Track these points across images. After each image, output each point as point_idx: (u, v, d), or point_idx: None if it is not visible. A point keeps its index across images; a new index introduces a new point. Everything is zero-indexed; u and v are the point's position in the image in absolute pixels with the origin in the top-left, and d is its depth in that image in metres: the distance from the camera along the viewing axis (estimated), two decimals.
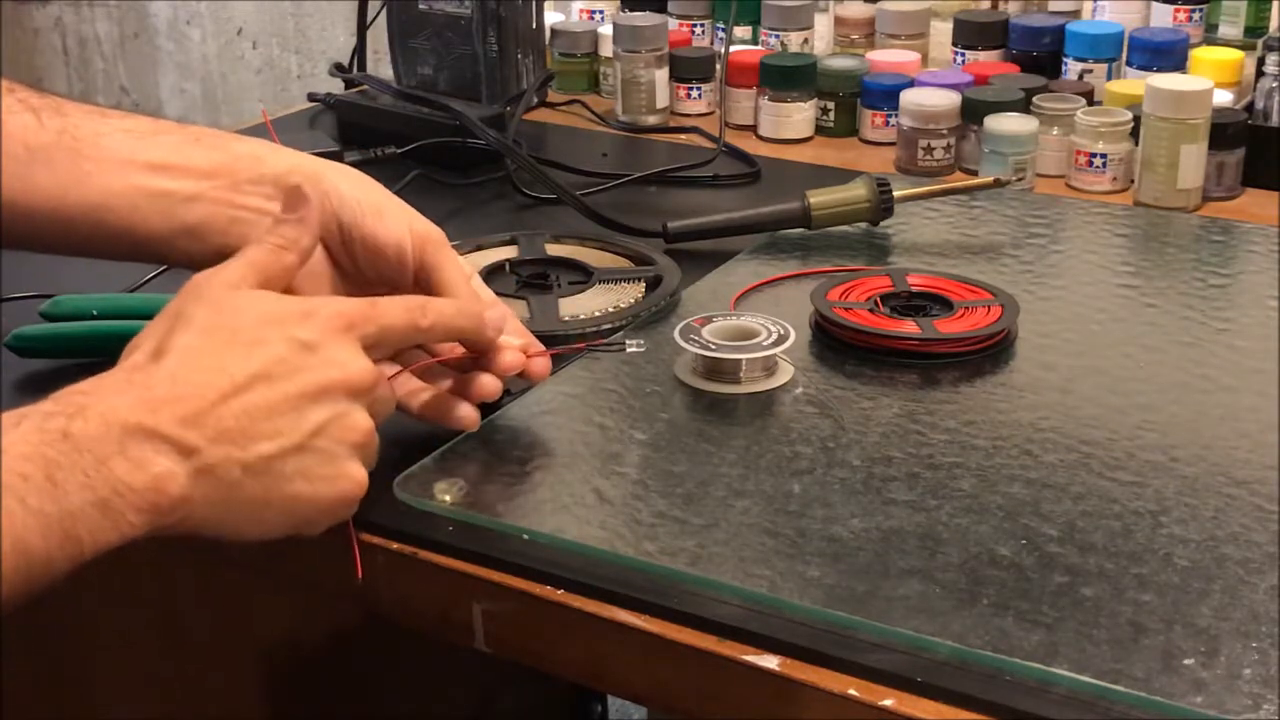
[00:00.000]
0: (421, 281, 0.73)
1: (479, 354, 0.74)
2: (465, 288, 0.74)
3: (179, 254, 0.74)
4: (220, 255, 0.71)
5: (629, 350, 0.80)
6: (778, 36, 1.35)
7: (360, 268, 0.73)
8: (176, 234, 0.73)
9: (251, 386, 0.61)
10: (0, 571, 0.53)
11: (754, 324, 0.82)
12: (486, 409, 0.75)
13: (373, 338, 0.65)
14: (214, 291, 0.64)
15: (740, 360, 0.79)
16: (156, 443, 0.58)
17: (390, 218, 0.73)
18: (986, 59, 1.28)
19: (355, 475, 0.64)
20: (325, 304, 0.65)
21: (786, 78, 1.25)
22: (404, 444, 0.75)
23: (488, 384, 0.74)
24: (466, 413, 0.73)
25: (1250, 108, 1.15)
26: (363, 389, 0.64)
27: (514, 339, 0.75)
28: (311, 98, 1.37)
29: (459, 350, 0.75)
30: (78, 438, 0.56)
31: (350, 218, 0.72)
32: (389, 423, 0.75)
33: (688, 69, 1.32)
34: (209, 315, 0.62)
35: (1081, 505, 0.68)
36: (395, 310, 0.67)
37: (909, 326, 0.84)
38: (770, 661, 0.61)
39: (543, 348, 0.76)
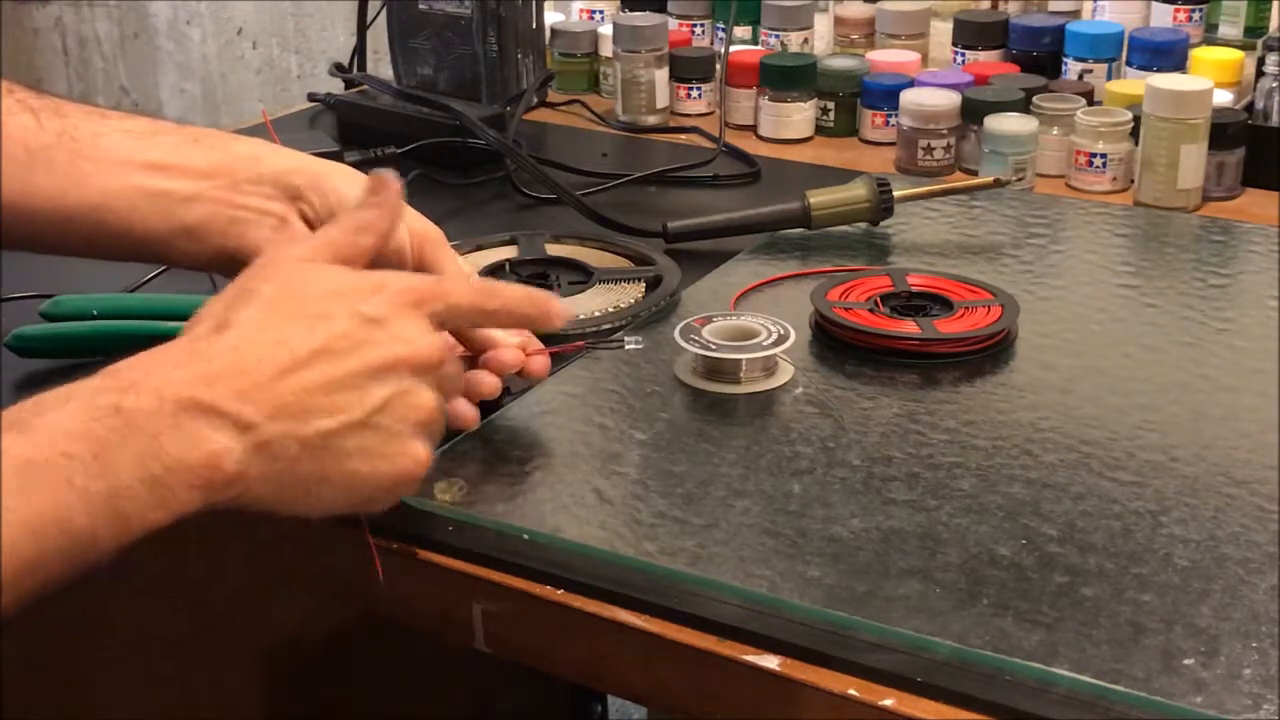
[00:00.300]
0: None
1: (479, 352, 0.74)
2: (463, 283, 0.74)
3: (178, 254, 0.74)
4: (219, 255, 0.71)
5: (628, 348, 0.80)
6: (778, 36, 1.35)
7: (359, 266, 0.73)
8: (175, 234, 0.73)
9: (313, 362, 0.60)
10: (9, 558, 0.53)
11: (754, 324, 0.82)
12: (486, 409, 0.75)
13: (441, 315, 0.65)
14: (284, 265, 0.63)
15: (740, 360, 0.79)
16: (212, 418, 0.57)
17: None
18: (986, 59, 1.28)
19: (417, 454, 0.63)
20: (395, 278, 0.64)
21: (786, 78, 1.25)
22: None
23: (487, 382, 0.74)
24: (465, 411, 0.73)
25: (1250, 108, 1.15)
26: (429, 365, 0.63)
27: (512, 337, 0.75)
28: (311, 98, 1.37)
29: (459, 349, 0.75)
30: (129, 413, 0.55)
31: None
32: None
33: (688, 69, 1.32)
34: (276, 289, 0.62)
35: (1081, 505, 0.68)
36: (464, 290, 0.67)
37: (909, 326, 0.84)
38: (770, 661, 0.61)
39: (542, 345, 0.76)
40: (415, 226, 0.73)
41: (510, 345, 0.74)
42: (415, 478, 0.64)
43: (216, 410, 0.57)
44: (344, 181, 0.73)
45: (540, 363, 0.75)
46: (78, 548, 0.54)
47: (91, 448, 0.54)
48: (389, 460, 0.62)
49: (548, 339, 0.78)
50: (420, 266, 0.73)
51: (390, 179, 0.69)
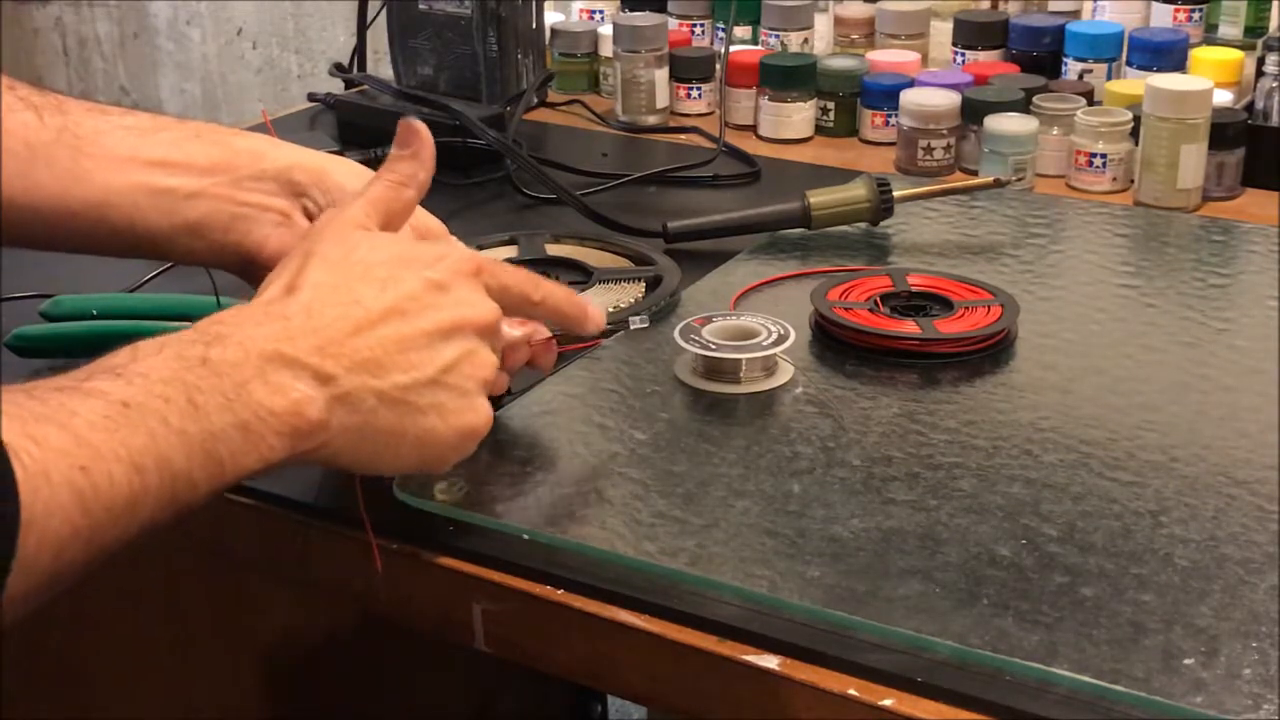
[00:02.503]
0: None
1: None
2: None
3: (181, 251, 0.74)
4: (222, 252, 0.71)
5: (634, 327, 0.79)
6: (778, 36, 1.35)
7: None
8: (178, 231, 0.73)
9: (386, 320, 0.62)
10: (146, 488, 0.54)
11: (754, 324, 0.82)
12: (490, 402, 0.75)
13: (495, 290, 0.67)
14: (343, 230, 0.65)
15: (740, 360, 0.79)
16: (295, 369, 0.59)
17: None
18: (986, 59, 1.28)
19: (483, 410, 0.66)
20: (456, 248, 0.67)
21: (786, 78, 1.25)
22: None
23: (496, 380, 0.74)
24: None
25: (1250, 108, 1.15)
26: (490, 329, 0.66)
27: (517, 330, 0.74)
28: (311, 98, 1.37)
29: None
30: (216, 363, 0.57)
31: None
32: None
33: (688, 69, 1.32)
34: (342, 252, 0.63)
35: (1081, 505, 0.68)
36: (514, 272, 0.69)
37: (909, 326, 0.84)
38: (770, 661, 0.61)
39: (548, 333, 0.76)
40: (419, 221, 0.73)
41: (516, 339, 0.74)
42: (481, 433, 0.66)
43: (298, 362, 0.59)
44: (346, 176, 0.73)
45: (548, 353, 0.75)
46: (178, 487, 0.55)
47: (184, 392, 0.56)
48: (459, 415, 0.64)
49: (553, 330, 0.78)
50: None
51: (418, 125, 0.70)
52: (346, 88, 1.37)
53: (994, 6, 1.36)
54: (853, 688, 0.59)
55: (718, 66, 1.31)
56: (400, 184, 0.68)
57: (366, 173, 0.74)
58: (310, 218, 0.72)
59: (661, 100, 1.31)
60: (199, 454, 0.56)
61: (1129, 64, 1.24)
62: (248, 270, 0.72)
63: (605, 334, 0.81)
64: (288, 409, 0.58)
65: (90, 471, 0.52)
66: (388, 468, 0.64)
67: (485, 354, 0.66)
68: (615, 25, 1.31)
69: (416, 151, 0.69)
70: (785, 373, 0.81)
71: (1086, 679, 0.57)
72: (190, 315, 0.86)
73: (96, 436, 0.53)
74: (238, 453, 0.57)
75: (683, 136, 1.28)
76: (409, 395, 0.62)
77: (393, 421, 0.62)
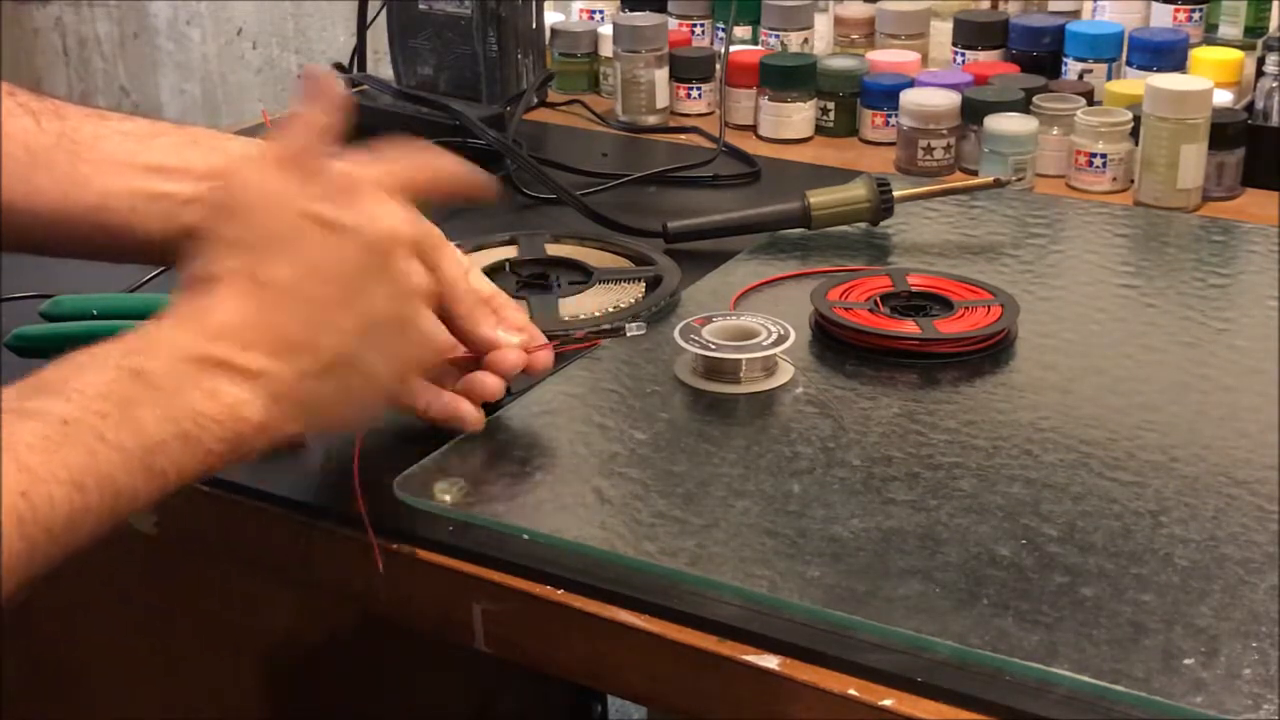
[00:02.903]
0: None
1: (482, 354, 0.74)
2: (465, 287, 0.74)
3: (179, 256, 0.73)
4: None
5: (629, 335, 0.79)
6: (778, 36, 1.35)
7: None
8: (175, 236, 0.72)
9: (299, 289, 0.61)
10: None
11: (754, 324, 0.82)
12: (489, 407, 0.76)
13: (399, 187, 0.65)
14: (245, 198, 0.63)
15: (740, 360, 0.79)
16: (224, 372, 0.58)
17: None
18: (986, 59, 1.28)
19: (429, 330, 0.64)
20: (342, 174, 0.64)
21: (786, 78, 1.25)
22: (404, 444, 0.75)
23: (490, 384, 0.74)
24: (470, 413, 0.74)
25: (1250, 108, 1.15)
26: (405, 240, 0.64)
27: (513, 336, 0.75)
28: None
29: (460, 350, 0.75)
30: (150, 374, 0.57)
31: None
32: (389, 423, 0.75)
33: (688, 69, 1.32)
34: (242, 228, 0.62)
35: (1081, 505, 0.68)
36: (407, 167, 0.68)
37: (909, 326, 0.84)
38: (770, 661, 0.61)
39: (545, 340, 0.76)
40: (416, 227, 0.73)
41: (512, 345, 0.74)
42: (439, 351, 0.66)
43: (226, 364, 0.59)
44: None
45: (543, 358, 0.76)
46: (119, 502, 0.55)
47: (121, 407, 0.56)
48: (405, 346, 0.64)
49: (550, 334, 0.78)
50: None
51: (322, 74, 0.69)
52: (346, 87, 1.37)
53: (994, 6, 1.36)
54: (853, 688, 0.59)
55: (718, 66, 1.31)
56: (306, 132, 0.66)
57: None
58: None
59: (661, 100, 1.31)
60: (139, 468, 0.56)
61: (1129, 64, 1.24)
62: None
63: (600, 336, 0.82)
64: (227, 415, 0.58)
65: (30, 495, 0.52)
66: (355, 423, 0.64)
67: (411, 271, 0.64)
68: (615, 25, 1.31)
69: (320, 97, 0.67)
70: (785, 373, 0.81)
71: (1086, 679, 0.57)
72: None
73: (35, 459, 0.53)
74: (180, 462, 0.57)
75: (683, 136, 1.28)
76: (346, 355, 0.61)
77: (339, 385, 0.62)
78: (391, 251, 0.63)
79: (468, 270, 0.75)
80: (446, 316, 0.74)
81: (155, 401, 0.56)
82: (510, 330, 0.75)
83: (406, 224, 0.64)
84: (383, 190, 0.64)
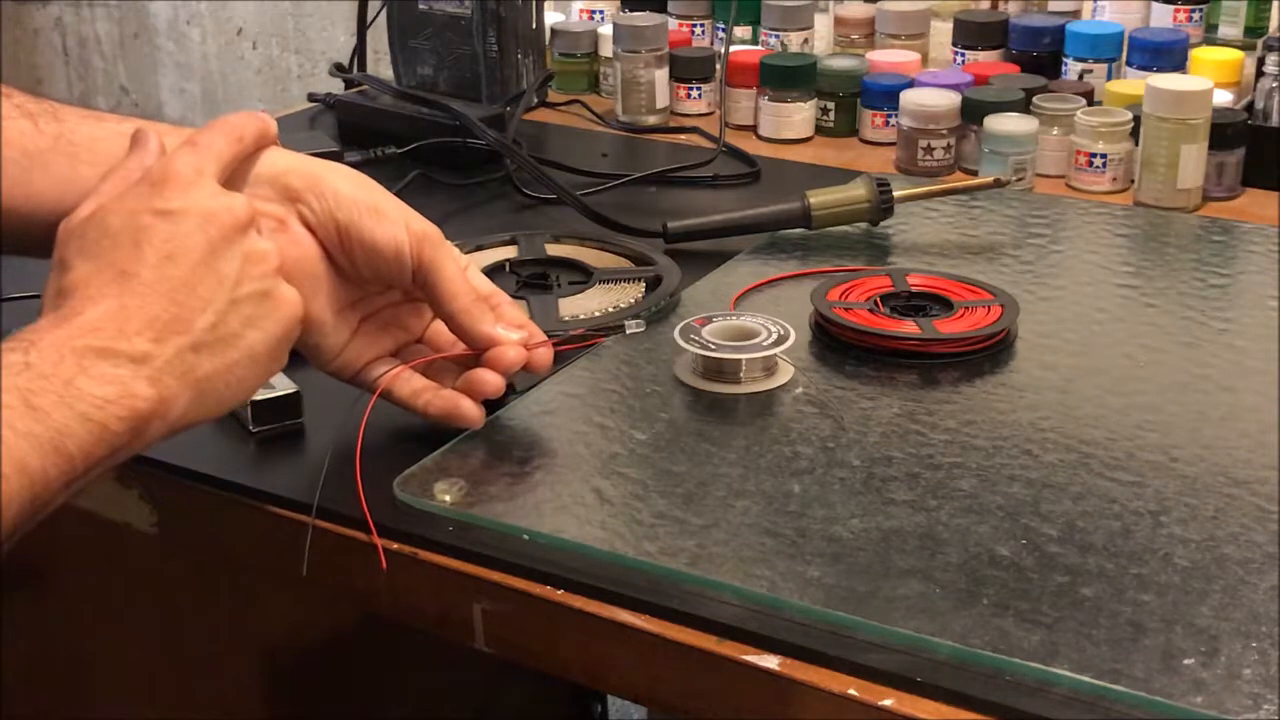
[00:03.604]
0: (420, 280, 0.73)
1: (482, 351, 0.74)
2: (463, 285, 0.74)
3: None
4: None
5: (629, 331, 0.79)
6: (778, 36, 1.35)
7: (358, 268, 0.73)
8: None
9: (160, 274, 0.62)
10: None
11: (754, 324, 0.82)
12: (491, 406, 0.76)
13: (212, 163, 0.66)
14: (76, 223, 0.64)
15: (740, 360, 0.79)
16: (112, 358, 0.60)
17: (388, 217, 0.73)
18: (986, 59, 1.29)
19: (289, 296, 0.66)
20: (158, 169, 0.66)
21: (786, 78, 1.25)
22: (404, 444, 0.75)
23: (490, 381, 0.74)
24: (470, 410, 0.74)
25: (1250, 108, 1.15)
26: (242, 219, 0.65)
27: (513, 334, 0.75)
28: (311, 98, 1.37)
29: (461, 347, 0.75)
30: (39, 366, 0.58)
31: (348, 218, 0.72)
32: (389, 423, 0.75)
33: (688, 69, 1.32)
34: (82, 242, 0.63)
35: (1081, 505, 0.68)
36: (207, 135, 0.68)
37: (909, 326, 0.84)
38: (770, 661, 0.61)
39: (544, 337, 0.76)
40: (414, 227, 0.73)
41: (512, 342, 0.74)
42: (299, 317, 0.67)
43: (108, 350, 0.60)
44: (343, 183, 0.73)
45: (543, 355, 0.76)
46: (35, 488, 0.56)
47: (21, 397, 0.57)
48: (272, 317, 0.65)
49: (549, 332, 0.78)
50: (420, 267, 0.73)
51: (144, 134, 0.69)
52: (346, 88, 1.37)
53: (994, 6, 1.36)
54: (853, 688, 0.59)
55: (718, 66, 1.31)
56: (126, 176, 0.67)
57: (362, 177, 0.74)
58: (306, 224, 0.72)
59: (661, 100, 1.31)
60: (50, 452, 0.57)
61: (1129, 64, 1.24)
62: None
63: (599, 333, 0.82)
64: (120, 395, 0.59)
65: None
66: (237, 400, 0.65)
67: (255, 245, 0.65)
68: (615, 25, 1.31)
69: (142, 151, 0.68)
70: (785, 373, 0.81)
71: (1086, 679, 0.57)
72: None
73: None
74: (86, 445, 0.58)
75: (683, 136, 1.28)
76: (219, 329, 0.63)
77: (220, 362, 0.63)
78: (228, 227, 0.65)
79: (466, 268, 0.76)
80: (446, 314, 0.74)
81: (50, 390, 0.57)
82: (510, 327, 0.75)
83: (237, 204, 0.66)
84: (200, 174, 0.66)
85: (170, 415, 0.61)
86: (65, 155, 0.72)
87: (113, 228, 0.63)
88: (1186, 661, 0.58)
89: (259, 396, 0.78)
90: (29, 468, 0.56)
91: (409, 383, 0.75)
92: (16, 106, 0.73)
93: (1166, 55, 1.22)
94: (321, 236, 0.72)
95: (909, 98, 1.18)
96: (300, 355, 0.76)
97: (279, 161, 0.73)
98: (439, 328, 0.77)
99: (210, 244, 0.64)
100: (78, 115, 0.74)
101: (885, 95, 1.23)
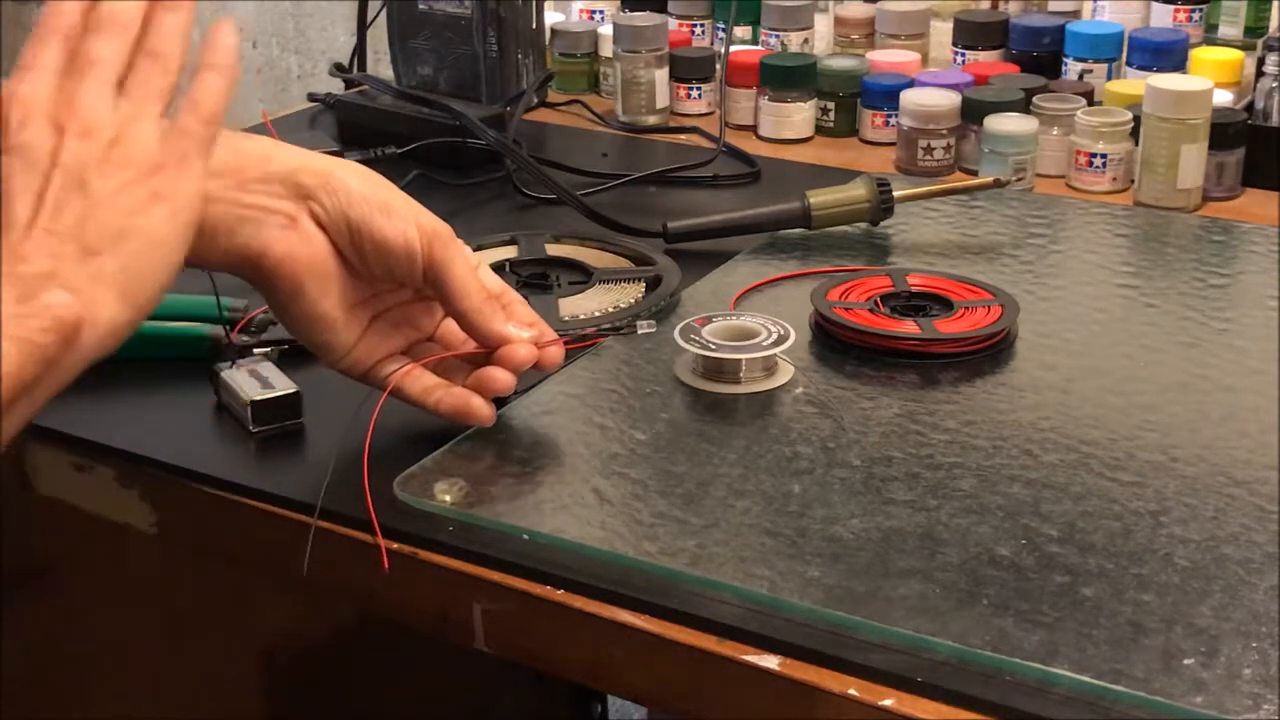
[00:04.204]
0: (431, 278, 0.73)
1: (493, 349, 0.74)
2: (474, 283, 0.74)
3: (188, 253, 0.73)
4: (228, 255, 0.71)
5: (641, 331, 0.80)
6: (778, 36, 1.35)
7: (369, 265, 0.73)
8: None
9: (28, 196, 0.61)
10: None
11: (754, 324, 0.82)
12: (495, 404, 0.76)
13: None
14: None
15: (740, 360, 0.79)
16: (17, 281, 0.59)
17: (398, 214, 0.73)
18: (986, 59, 1.29)
19: (161, 186, 0.63)
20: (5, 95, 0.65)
21: (786, 78, 1.25)
22: (404, 444, 0.75)
23: (501, 379, 0.74)
24: (481, 408, 0.74)
25: (1250, 108, 1.15)
26: (89, 125, 0.63)
27: (524, 332, 0.75)
28: (311, 98, 1.37)
29: (471, 345, 0.75)
30: None
31: (358, 215, 0.72)
32: (389, 423, 0.75)
33: (688, 69, 1.32)
34: None
35: (1081, 505, 0.68)
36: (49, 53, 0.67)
37: (909, 326, 0.84)
38: (770, 661, 0.61)
39: (555, 335, 0.76)
40: (424, 224, 0.73)
41: (523, 340, 0.74)
42: (183, 191, 0.64)
43: (16, 277, 0.59)
44: (353, 179, 0.73)
45: (554, 353, 0.76)
46: None
47: None
48: (152, 198, 0.63)
49: (560, 331, 0.78)
50: (430, 264, 0.73)
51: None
52: (346, 88, 1.37)
53: (994, 6, 1.36)
54: (853, 688, 0.59)
55: (718, 66, 1.31)
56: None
57: (372, 174, 0.74)
58: (317, 221, 0.72)
59: (661, 100, 1.31)
60: None
61: (1129, 64, 1.24)
62: (253, 274, 0.72)
63: (612, 333, 0.82)
64: (38, 307, 0.58)
65: None
66: (161, 285, 0.63)
67: (120, 139, 0.63)
68: (615, 25, 1.31)
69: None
70: (785, 373, 0.81)
71: (1086, 679, 0.57)
72: (190, 315, 0.87)
73: None
74: (14, 363, 0.57)
75: (683, 136, 1.28)
76: (103, 228, 0.61)
77: (122, 255, 0.61)
78: (56, 131, 0.63)
79: (477, 267, 0.76)
80: (457, 312, 0.74)
81: None
82: (520, 326, 0.75)
83: (32, 88, 0.64)
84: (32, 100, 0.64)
85: (99, 319, 0.60)
86: None
87: None
88: (1186, 661, 0.58)
89: (259, 396, 0.78)
90: None
91: (419, 380, 0.75)
92: None
93: (1166, 55, 1.22)
94: (332, 234, 0.72)
95: (909, 98, 1.18)
96: (307, 353, 0.76)
97: (290, 159, 0.73)
98: (450, 325, 0.77)
99: (60, 165, 0.62)
100: None
101: (885, 95, 1.23)
